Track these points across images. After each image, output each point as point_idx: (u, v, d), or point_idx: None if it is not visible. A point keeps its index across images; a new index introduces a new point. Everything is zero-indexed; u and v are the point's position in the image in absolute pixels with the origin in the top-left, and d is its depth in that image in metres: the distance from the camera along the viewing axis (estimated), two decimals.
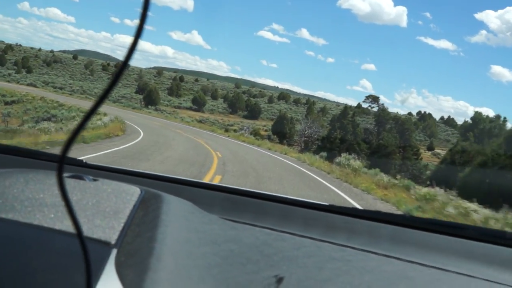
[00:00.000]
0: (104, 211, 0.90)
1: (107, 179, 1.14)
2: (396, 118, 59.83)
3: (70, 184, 1.03)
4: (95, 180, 1.11)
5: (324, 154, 31.42)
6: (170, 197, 1.13)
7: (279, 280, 0.89)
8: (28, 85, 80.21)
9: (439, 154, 61.73)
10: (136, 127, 29.28)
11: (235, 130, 52.27)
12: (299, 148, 53.34)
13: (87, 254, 0.62)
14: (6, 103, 44.82)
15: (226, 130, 49.81)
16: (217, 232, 1.03)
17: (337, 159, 23.10)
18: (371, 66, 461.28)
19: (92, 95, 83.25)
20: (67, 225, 0.79)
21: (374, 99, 55.89)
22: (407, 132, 53.57)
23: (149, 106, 77.89)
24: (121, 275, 0.70)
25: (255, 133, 54.03)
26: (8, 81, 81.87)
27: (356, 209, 1.68)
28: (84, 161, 1.70)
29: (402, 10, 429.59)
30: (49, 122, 28.94)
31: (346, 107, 50.91)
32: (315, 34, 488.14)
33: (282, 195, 1.58)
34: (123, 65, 0.50)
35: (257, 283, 0.86)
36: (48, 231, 0.78)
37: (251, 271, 0.89)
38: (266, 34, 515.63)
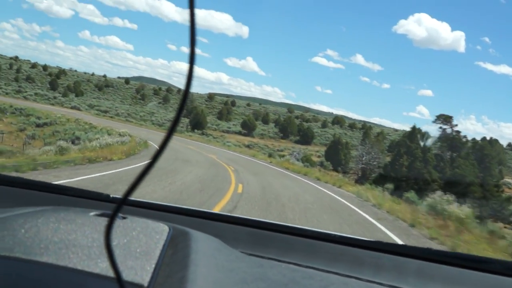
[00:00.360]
0: (135, 251, 0.90)
1: (135, 217, 1.17)
2: (473, 142, 51.94)
3: (100, 223, 1.05)
4: (124, 218, 1.13)
5: (389, 186, 24.99)
6: (197, 234, 1.16)
7: None
8: (72, 108, 78.34)
9: (510, 183, 54.58)
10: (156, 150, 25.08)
11: (281, 156, 45.99)
12: (355, 176, 46.73)
13: None
14: (38, 125, 43.08)
15: (270, 156, 44.06)
16: (244, 270, 1.04)
17: (422, 200, 16.30)
18: (428, 92, 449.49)
19: (136, 118, 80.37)
20: (101, 268, 0.78)
21: (446, 119, 48.21)
22: (486, 159, 45.79)
23: (195, 130, 73.19)
24: None
25: (306, 159, 47.79)
26: (52, 104, 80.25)
27: (381, 242, 1.56)
28: (111, 195, 1.70)
29: (459, 35, 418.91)
30: (67, 143, 25.38)
31: (414, 128, 43.37)
32: (370, 59, 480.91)
33: (306, 228, 1.58)
34: (185, 95, 0.50)
35: None
36: (82, 274, 0.77)
37: None
38: (320, 60, 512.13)
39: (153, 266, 0.85)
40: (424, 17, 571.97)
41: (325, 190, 18.91)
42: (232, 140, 67.73)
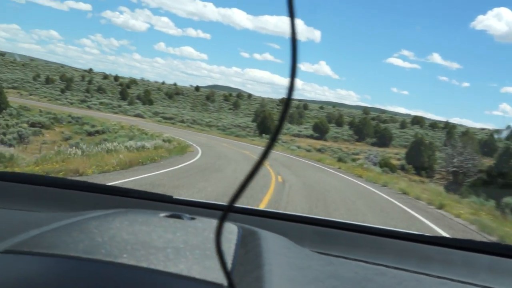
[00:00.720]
0: (210, 251, 0.90)
1: (203, 217, 1.19)
2: None
3: (171, 224, 1.07)
4: (192, 218, 1.16)
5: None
6: (265, 233, 1.18)
7: None
8: (135, 115, 77.00)
9: None
10: (198, 154, 23.34)
11: (354, 160, 39.56)
12: (444, 182, 39.76)
13: None
14: (89, 134, 40.79)
15: (340, 160, 37.56)
16: (316, 268, 1.05)
17: None
18: None
19: (201, 124, 77.00)
20: (181, 268, 0.80)
21: None
22: None
23: (263, 135, 68.24)
24: None
25: (384, 163, 41.18)
26: (116, 113, 78.87)
27: (448, 238, 1.62)
28: (173, 196, 1.76)
29: None
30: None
31: None
32: (448, 58, 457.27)
33: (371, 226, 1.59)
34: (286, 105, 0.51)
35: None
36: (163, 275, 0.79)
37: None
38: (395, 61, 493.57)
39: (230, 265, 0.85)
40: (504, 11, 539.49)
41: (420, 217, 12.04)
42: (303, 144, 62.19)
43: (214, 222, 1.12)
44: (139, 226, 1.02)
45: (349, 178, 22.45)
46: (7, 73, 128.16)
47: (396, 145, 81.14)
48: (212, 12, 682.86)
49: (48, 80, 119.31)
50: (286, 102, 0.51)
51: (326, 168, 27.10)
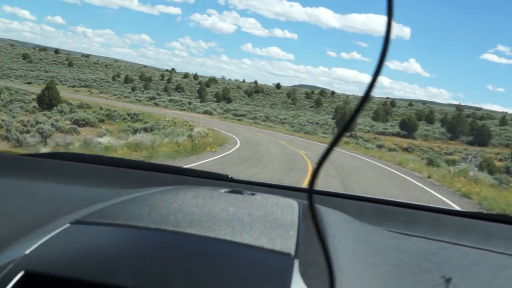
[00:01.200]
0: (274, 223, 0.93)
1: (263, 193, 1.22)
2: None
3: (233, 198, 1.10)
4: (253, 194, 1.18)
5: None
6: (325, 209, 1.21)
7: (448, 280, 0.91)
8: (204, 112, 72.78)
9: None
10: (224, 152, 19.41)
11: (450, 162, 30.60)
12: None
13: (332, 271, 0.66)
14: (135, 131, 36.03)
15: (431, 163, 28.10)
16: (379, 241, 1.07)
17: None
18: None
19: (274, 121, 70.91)
20: (249, 239, 0.82)
21: None
22: None
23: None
24: (308, 285, 0.71)
25: (487, 165, 32.33)
26: (184, 110, 75.25)
27: (507, 215, 1.55)
28: (230, 176, 1.78)
29: None
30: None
31: None
32: None
33: (430, 205, 1.60)
34: (364, 99, 0.51)
35: None
36: (232, 244, 0.80)
37: (426, 279, 0.89)
38: (490, 57, 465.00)
39: (295, 236, 0.86)
40: None
41: None
42: (388, 142, 54.41)
43: (274, 198, 1.15)
44: (202, 200, 1.04)
45: (452, 197, 13.82)
46: (89, 73, 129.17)
47: (496, 144, 70.44)
48: (299, 12, 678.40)
49: (127, 80, 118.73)
50: (364, 96, 0.51)
51: (408, 178, 17.54)
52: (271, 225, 0.90)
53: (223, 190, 1.18)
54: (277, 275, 0.71)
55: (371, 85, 0.50)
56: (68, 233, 0.84)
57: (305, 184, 8.05)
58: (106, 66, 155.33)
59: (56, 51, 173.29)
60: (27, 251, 0.76)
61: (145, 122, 40.70)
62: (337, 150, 30.96)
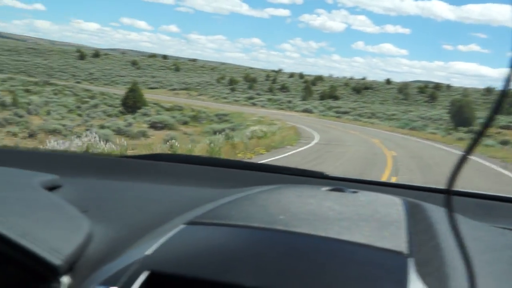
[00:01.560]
0: (382, 221, 0.92)
1: (364, 191, 1.20)
2: None
3: (334, 196, 1.10)
4: (354, 192, 1.16)
5: None
6: (429, 205, 1.18)
7: None
8: (303, 111, 69.38)
9: None
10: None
11: None
12: None
13: (471, 272, 0.64)
14: (215, 133, 33.39)
15: None
16: (488, 238, 1.04)
17: None
18: None
19: (381, 117, 64.83)
20: (358, 237, 0.82)
21: None
22: None
23: (459, 128, 53.05)
24: (426, 283, 0.70)
25: None
26: (282, 108, 72.36)
27: None
28: (324, 173, 1.76)
29: None
30: None
31: None
32: None
33: None
34: (503, 94, 0.49)
35: None
36: (343, 243, 0.80)
37: None
38: None
39: (405, 234, 0.86)
40: None
41: None
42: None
43: (378, 195, 1.15)
44: (306, 199, 1.05)
45: None
46: (194, 77, 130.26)
47: None
48: (410, 5, 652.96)
49: (232, 82, 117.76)
50: (503, 91, 0.48)
51: None
52: (379, 223, 0.90)
53: (324, 189, 1.18)
54: (394, 274, 0.70)
55: (510, 78, 0.47)
56: (184, 234, 0.86)
57: None
58: (212, 69, 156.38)
59: (164, 56, 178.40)
60: (148, 252, 0.77)
61: (231, 122, 38.82)
62: (444, 149, 25.09)
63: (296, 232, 0.83)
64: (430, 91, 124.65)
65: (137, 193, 1.38)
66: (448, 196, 0.58)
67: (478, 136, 0.51)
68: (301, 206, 0.98)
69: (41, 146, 17.08)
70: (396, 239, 0.82)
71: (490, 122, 0.50)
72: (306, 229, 0.84)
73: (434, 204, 1.22)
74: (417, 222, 0.96)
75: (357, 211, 0.96)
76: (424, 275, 0.72)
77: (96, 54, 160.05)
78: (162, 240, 0.82)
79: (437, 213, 1.05)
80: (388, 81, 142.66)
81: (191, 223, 0.90)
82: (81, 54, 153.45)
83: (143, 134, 30.66)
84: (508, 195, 1.54)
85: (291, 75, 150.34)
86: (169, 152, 13.31)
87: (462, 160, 0.53)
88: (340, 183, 1.53)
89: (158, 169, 1.81)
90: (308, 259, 0.74)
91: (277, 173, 1.78)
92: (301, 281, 0.68)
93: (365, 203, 1.04)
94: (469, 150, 0.52)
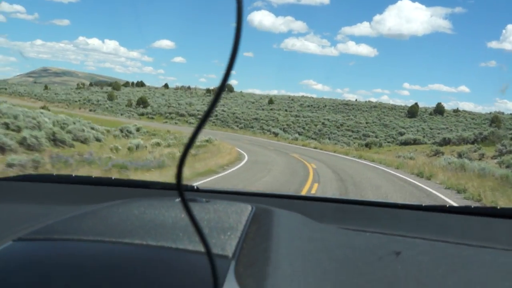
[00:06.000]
0: (219, 227, 0.96)
1: (217, 200, 1.25)
2: None
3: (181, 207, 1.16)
4: (207, 201, 1.21)
5: None
6: (280, 211, 1.24)
7: (398, 253, 0.98)
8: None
9: None
10: None
11: None
12: None
13: (215, 269, 0.67)
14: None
15: None
16: (329, 239, 1.10)
17: None
18: None
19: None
20: (186, 244, 0.84)
21: None
22: None
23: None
24: (242, 284, 0.73)
25: None
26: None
27: (470, 207, 1.63)
28: (195, 186, 1.80)
29: None
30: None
31: None
32: None
33: (390, 201, 1.68)
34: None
35: (374, 283, 0.86)
36: (169, 250, 0.83)
37: (367, 272, 0.91)
38: None
39: (237, 239, 0.89)
40: None
41: None
42: None
43: (229, 203, 1.20)
44: (152, 210, 1.08)
45: None
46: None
47: None
48: None
49: None
50: (220, 88, 0.51)
51: None
52: (214, 230, 0.93)
53: (177, 200, 1.17)
54: (211, 276, 0.70)
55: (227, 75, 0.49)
56: (9, 250, 0.86)
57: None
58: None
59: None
60: None
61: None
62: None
63: (125, 243, 0.85)
64: None
65: None
66: (180, 193, 0.58)
67: (196, 132, 0.52)
68: (142, 217, 1.01)
69: None
70: (226, 244, 0.86)
71: (206, 118, 0.51)
72: (137, 239, 0.86)
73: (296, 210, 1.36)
74: (259, 227, 1.01)
75: (200, 219, 0.97)
76: (245, 277, 0.74)
77: None
78: None
79: (282, 218, 1.13)
80: None
81: (19, 239, 0.90)
82: None
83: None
84: (361, 199, 1.66)
85: None
86: None
87: (184, 155, 0.54)
88: (208, 195, 1.63)
89: (12, 189, 1.84)
90: (128, 268, 0.76)
91: (138, 188, 1.82)
92: None
93: (211, 211, 1.07)
94: (188, 145, 0.53)
